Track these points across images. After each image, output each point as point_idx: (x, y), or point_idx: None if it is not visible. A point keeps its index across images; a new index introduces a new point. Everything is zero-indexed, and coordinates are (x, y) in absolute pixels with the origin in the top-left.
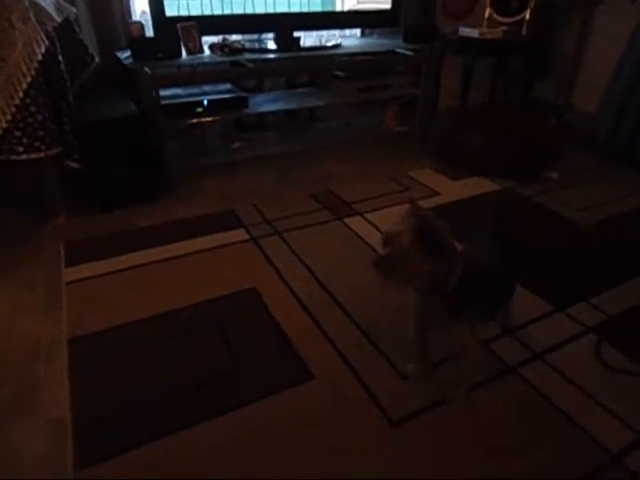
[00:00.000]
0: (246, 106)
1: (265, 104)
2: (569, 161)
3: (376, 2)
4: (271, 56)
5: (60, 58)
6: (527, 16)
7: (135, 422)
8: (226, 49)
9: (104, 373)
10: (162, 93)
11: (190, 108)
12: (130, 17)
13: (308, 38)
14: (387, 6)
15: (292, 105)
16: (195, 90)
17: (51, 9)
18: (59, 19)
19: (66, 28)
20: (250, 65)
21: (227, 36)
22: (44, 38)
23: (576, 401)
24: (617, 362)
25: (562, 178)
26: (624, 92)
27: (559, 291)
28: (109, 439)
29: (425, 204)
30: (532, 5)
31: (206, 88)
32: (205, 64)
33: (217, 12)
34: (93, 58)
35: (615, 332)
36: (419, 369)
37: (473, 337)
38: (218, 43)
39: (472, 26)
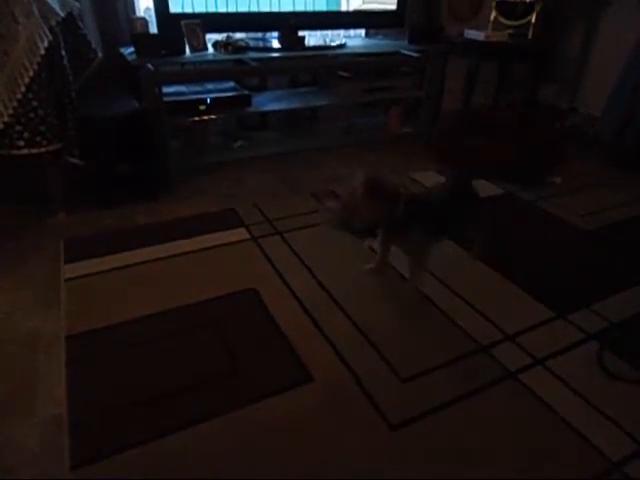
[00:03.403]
0: (249, 105)
1: (268, 103)
2: (573, 165)
3: (381, 3)
4: (275, 55)
5: (63, 53)
6: (533, 20)
7: (133, 421)
8: (230, 47)
9: (102, 371)
10: (165, 90)
11: (193, 106)
12: (134, 13)
13: (312, 37)
14: (393, 7)
15: (295, 104)
16: (198, 88)
17: (55, 4)
18: (63, 14)
19: (70, 23)
20: (254, 63)
21: (231, 34)
22: (47, 33)
23: (577, 408)
24: (619, 370)
25: (566, 182)
26: (630, 96)
27: (561, 297)
28: (106, 438)
29: None
30: (538, 9)
31: (209, 86)
32: (209, 62)
33: (222, 10)
34: (96, 54)
35: (617, 339)
36: (375, 268)
37: (417, 247)
38: (222, 41)
39: (477, 29)
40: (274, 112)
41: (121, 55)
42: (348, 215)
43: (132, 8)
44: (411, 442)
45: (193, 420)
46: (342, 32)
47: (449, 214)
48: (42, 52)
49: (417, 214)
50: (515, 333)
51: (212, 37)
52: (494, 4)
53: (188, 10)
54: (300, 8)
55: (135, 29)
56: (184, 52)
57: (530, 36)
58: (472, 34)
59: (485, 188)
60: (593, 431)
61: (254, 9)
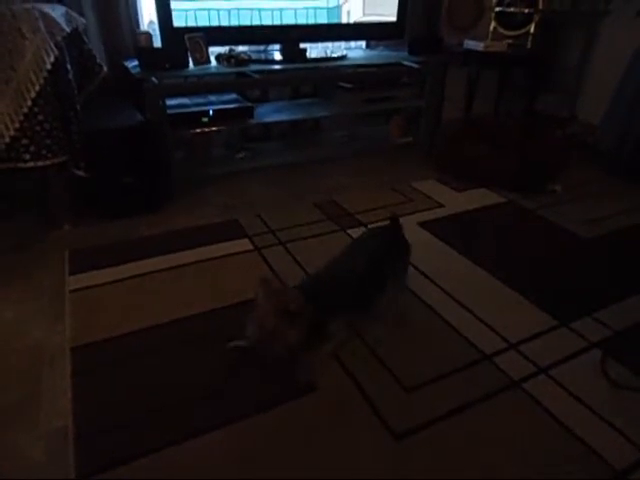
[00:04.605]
0: (251, 116)
1: (270, 114)
2: (573, 174)
3: (382, 15)
4: (277, 67)
5: (69, 67)
6: (532, 30)
7: (137, 433)
8: (232, 60)
9: (107, 382)
10: (168, 102)
11: (196, 118)
12: (138, 27)
13: (314, 49)
14: (393, 19)
15: (297, 115)
16: (201, 100)
17: (61, 19)
18: (68, 29)
19: (75, 38)
20: (256, 76)
21: (234, 47)
22: (53, 48)
23: (580, 417)
24: (622, 378)
25: (566, 191)
26: (629, 105)
27: (563, 305)
28: (111, 449)
29: (429, 216)
30: (537, 19)
31: (212, 98)
32: (212, 74)
33: (224, 23)
34: (101, 67)
35: (620, 348)
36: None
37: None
38: (225, 54)
39: (477, 39)
40: (276, 123)
41: (125, 69)
42: (267, 342)
43: (136, 22)
44: (415, 451)
45: (197, 430)
46: (343, 44)
47: (376, 276)
48: (48, 67)
49: (331, 301)
50: (518, 342)
51: (215, 50)
52: (493, 14)
53: (191, 24)
54: (302, 21)
55: (139, 43)
56: (187, 65)
57: (529, 46)
58: (471, 44)
59: (485, 197)
60: (597, 439)
61: (256, 23)
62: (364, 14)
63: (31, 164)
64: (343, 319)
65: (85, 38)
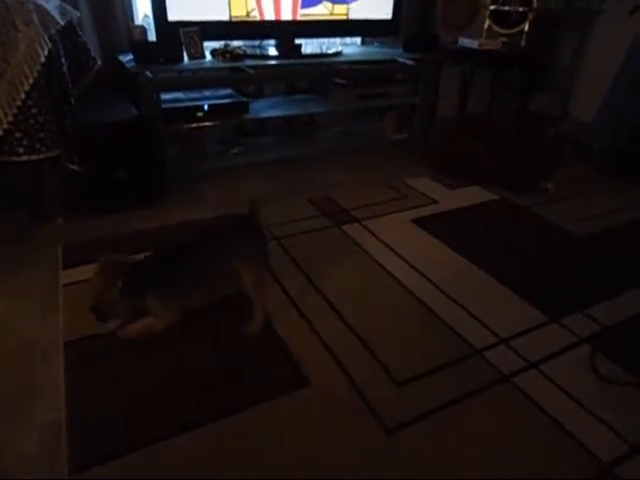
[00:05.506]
0: (246, 111)
1: (265, 110)
2: (566, 172)
3: (377, 12)
4: (272, 62)
5: (63, 61)
6: (526, 28)
7: (130, 426)
8: (227, 55)
9: (100, 376)
10: (163, 97)
11: (191, 112)
12: (133, 21)
13: (309, 45)
14: (388, 16)
15: (292, 111)
16: (196, 94)
17: (55, 12)
18: (62, 22)
19: (69, 31)
20: (251, 71)
21: (229, 42)
22: (47, 41)
23: (570, 411)
24: (611, 373)
25: (559, 188)
26: (622, 104)
27: (554, 301)
28: (104, 443)
29: (423, 212)
30: (531, 17)
31: (207, 93)
32: (206, 69)
33: (220, 18)
34: (95, 61)
35: (609, 343)
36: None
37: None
38: (220, 49)
39: (471, 37)
40: (271, 119)
41: (120, 62)
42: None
43: (131, 16)
44: (408, 446)
45: (191, 425)
46: (338, 40)
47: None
48: (42, 60)
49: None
50: (509, 337)
51: (210, 45)
52: (488, 12)
53: (186, 18)
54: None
55: (134, 37)
56: (182, 59)
57: (523, 44)
58: (466, 42)
59: (478, 194)
60: (585, 433)
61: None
62: (360, 11)
63: (25, 158)
64: (157, 295)
65: (79, 31)
